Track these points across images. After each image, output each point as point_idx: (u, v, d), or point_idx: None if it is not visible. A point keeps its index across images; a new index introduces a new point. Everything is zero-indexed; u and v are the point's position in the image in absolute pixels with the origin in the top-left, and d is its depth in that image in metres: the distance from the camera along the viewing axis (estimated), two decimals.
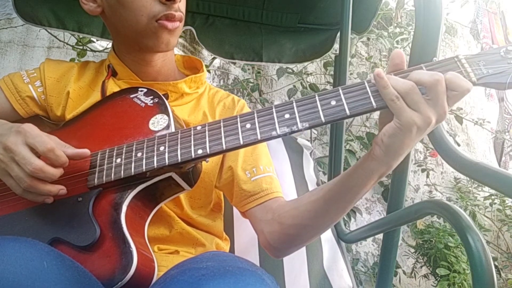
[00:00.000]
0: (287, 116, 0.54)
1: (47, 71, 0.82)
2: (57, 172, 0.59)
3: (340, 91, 0.53)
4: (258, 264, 0.84)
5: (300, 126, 0.53)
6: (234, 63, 2.50)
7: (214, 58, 2.33)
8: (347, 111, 0.52)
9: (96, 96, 0.79)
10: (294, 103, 0.54)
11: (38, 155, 0.58)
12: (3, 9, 2.05)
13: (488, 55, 0.51)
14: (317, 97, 0.54)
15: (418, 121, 0.49)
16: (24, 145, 0.58)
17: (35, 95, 0.80)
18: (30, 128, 0.59)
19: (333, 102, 0.52)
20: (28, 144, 0.58)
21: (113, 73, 0.81)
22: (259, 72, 2.49)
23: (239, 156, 0.79)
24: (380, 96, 0.51)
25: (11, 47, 2.17)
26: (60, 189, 0.60)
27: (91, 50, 2.09)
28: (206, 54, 2.40)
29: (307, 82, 2.43)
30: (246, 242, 1.10)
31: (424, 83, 0.49)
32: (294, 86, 2.40)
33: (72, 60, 1.92)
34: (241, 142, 0.55)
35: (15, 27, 2.16)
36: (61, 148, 0.60)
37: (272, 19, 1.42)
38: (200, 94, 0.86)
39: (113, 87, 0.80)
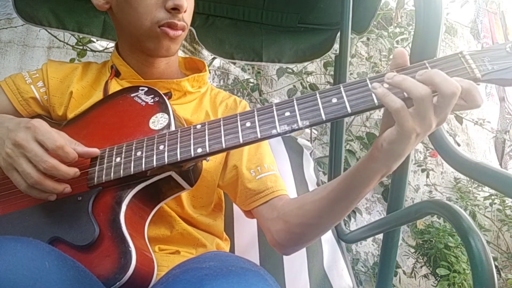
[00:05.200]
0: (287, 114, 0.53)
1: (50, 71, 0.82)
2: (70, 170, 0.58)
3: (341, 88, 0.52)
4: (258, 264, 0.84)
5: (300, 124, 0.52)
6: (234, 63, 2.50)
7: (214, 58, 2.33)
8: (349, 109, 0.51)
9: (98, 96, 0.79)
10: (295, 101, 0.54)
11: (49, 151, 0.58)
12: (3, 9, 2.05)
13: (493, 50, 0.49)
14: (318, 95, 0.53)
15: (419, 129, 0.48)
16: (34, 141, 0.57)
17: (37, 95, 0.80)
18: (39, 123, 0.59)
19: (334, 100, 0.52)
20: (37, 140, 0.58)
21: (116, 74, 0.82)
22: (259, 72, 2.48)
23: (244, 155, 0.79)
24: None
25: (11, 47, 2.17)
26: (65, 187, 0.60)
27: (91, 50, 2.09)
28: (206, 54, 2.40)
29: (307, 82, 2.43)
30: (246, 242, 1.10)
31: (440, 91, 0.46)
32: (294, 86, 2.40)
33: (72, 60, 1.91)
34: (241, 141, 0.55)
35: (15, 27, 2.16)
36: (71, 146, 0.60)
37: (272, 19, 1.42)
38: (202, 93, 0.86)
39: (116, 87, 0.80)
